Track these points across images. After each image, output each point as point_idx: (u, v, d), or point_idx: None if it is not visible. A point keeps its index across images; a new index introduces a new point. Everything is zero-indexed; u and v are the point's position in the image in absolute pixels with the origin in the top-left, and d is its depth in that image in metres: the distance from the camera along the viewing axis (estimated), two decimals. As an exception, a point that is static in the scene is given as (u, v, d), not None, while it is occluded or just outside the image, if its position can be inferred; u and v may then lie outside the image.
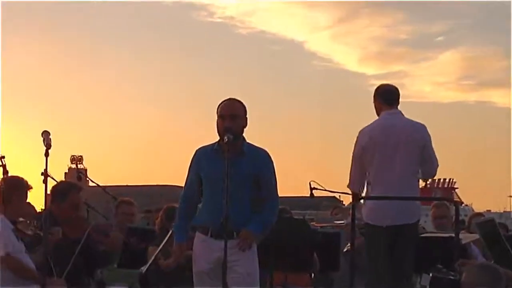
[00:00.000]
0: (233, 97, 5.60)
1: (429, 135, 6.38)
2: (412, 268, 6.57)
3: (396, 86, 6.64)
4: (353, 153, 6.43)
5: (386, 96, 6.44)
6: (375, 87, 6.64)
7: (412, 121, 6.40)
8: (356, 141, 6.37)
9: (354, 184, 6.47)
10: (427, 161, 6.39)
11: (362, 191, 6.54)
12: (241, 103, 5.45)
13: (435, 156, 6.43)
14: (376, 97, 6.46)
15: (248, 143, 5.43)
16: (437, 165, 6.46)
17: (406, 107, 6.47)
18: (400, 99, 6.49)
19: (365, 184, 6.48)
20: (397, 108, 6.40)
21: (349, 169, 6.52)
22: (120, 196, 8.65)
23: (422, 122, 6.43)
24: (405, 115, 6.51)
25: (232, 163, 5.25)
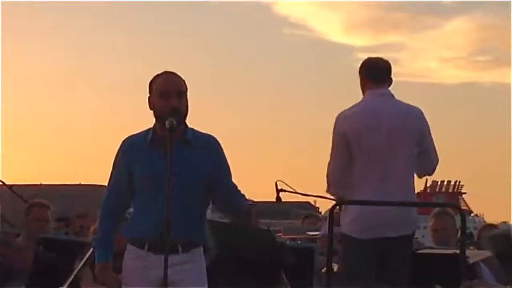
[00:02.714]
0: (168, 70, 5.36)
1: (427, 122, 6.17)
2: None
3: (389, 61, 6.43)
4: (332, 146, 6.25)
5: (373, 73, 6.19)
6: (361, 63, 6.47)
7: (406, 104, 6.19)
8: (334, 131, 6.21)
9: (337, 186, 6.18)
10: (423, 153, 6.18)
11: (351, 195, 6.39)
12: (179, 76, 5.31)
13: (434, 148, 6.20)
14: (361, 74, 6.22)
15: (192, 129, 5.21)
16: (437, 160, 6.25)
17: (403, 88, 5.82)
18: (394, 78, 6.32)
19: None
20: (387, 87, 6.20)
21: (330, 162, 6.32)
22: (32, 198, 8.46)
23: (417, 106, 6.27)
24: (396, 98, 6.30)
25: (175, 156, 4.99)
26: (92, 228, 7.27)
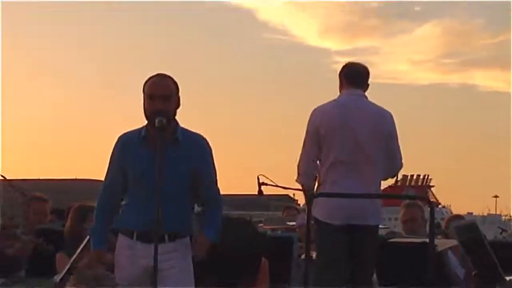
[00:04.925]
0: (161, 72, 5.63)
1: (395, 126, 6.47)
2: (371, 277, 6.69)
3: (366, 65, 6.74)
4: (307, 131, 6.52)
5: (352, 76, 6.51)
6: (341, 66, 6.71)
7: (378, 106, 6.43)
8: (308, 123, 6.44)
9: (305, 176, 6.39)
10: (390, 157, 6.45)
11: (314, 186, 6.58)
12: (173, 79, 5.47)
13: (400, 152, 6.48)
14: (340, 76, 6.54)
15: (182, 128, 5.41)
16: (402, 164, 6.55)
17: (376, 89, 6.25)
18: (371, 86, 6.68)
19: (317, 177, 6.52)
20: (361, 88, 6.53)
21: (301, 154, 6.61)
22: (30, 192, 8.58)
23: (388, 110, 6.56)
24: (370, 99, 6.57)
25: (165, 153, 5.28)
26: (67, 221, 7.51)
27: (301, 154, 6.45)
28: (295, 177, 6.58)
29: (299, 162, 6.45)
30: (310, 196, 6.25)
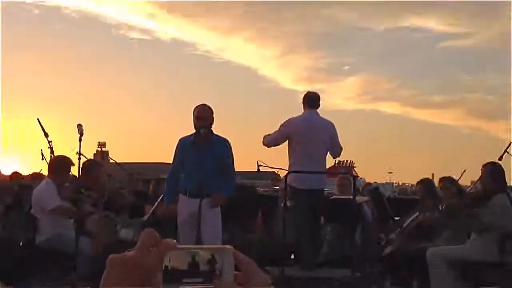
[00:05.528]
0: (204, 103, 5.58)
1: (335, 129, 6.55)
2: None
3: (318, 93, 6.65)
4: (280, 131, 6.34)
5: (310, 101, 6.48)
6: (303, 95, 6.63)
7: (324, 119, 6.58)
8: (287, 124, 6.34)
9: (269, 144, 6.45)
10: (336, 146, 6.54)
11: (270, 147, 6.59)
12: (210, 107, 5.48)
13: (339, 143, 6.60)
14: (304, 100, 6.49)
15: (215, 134, 5.46)
16: (341, 149, 6.61)
17: (326, 113, 6.93)
18: (321, 108, 6.51)
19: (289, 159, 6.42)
20: (316, 109, 6.46)
21: (271, 139, 6.41)
22: (134, 171, 9.03)
23: (330, 120, 6.57)
24: (321, 115, 6.49)
25: (205, 149, 5.25)
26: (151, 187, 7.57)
27: (270, 136, 6.41)
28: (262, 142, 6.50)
29: (266, 139, 6.39)
30: (286, 174, 6.31)
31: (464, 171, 7.50)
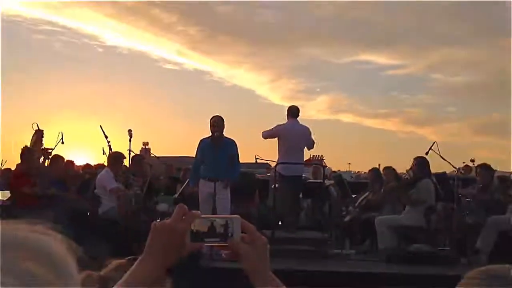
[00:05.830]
0: (216, 114, 5.87)
1: (311, 132, 7.05)
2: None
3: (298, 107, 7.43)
4: (272, 131, 6.59)
5: (293, 112, 6.92)
6: (287, 107, 7.15)
7: (303, 125, 7.06)
8: (276, 129, 6.69)
9: (265, 137, 6.65)
10: (311, 143, 6.97)
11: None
12: (221, 117, 5.70)
13: (313, 140, 7.04)
14: (288, 112, 6.91)
15: (226, 136, 5.66)
16: (314, 143, 6.99)
17: (304, 121, 7.31)
18: (300, 117, 6.97)
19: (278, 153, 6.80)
20: (296, 118, 6.95)
21: (267, 134, 6.65)
22: (169, 162, 8.92)
23: (308, 126, 7.10)
24: (300, 123, 6.93)
25: (218, 147, 5.43)
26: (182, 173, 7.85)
27: (267, 132, 6.68)
28: (262, 135, 6.70)
29: (265, 133, 6.58)
30: (276, 165, 6.60)
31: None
